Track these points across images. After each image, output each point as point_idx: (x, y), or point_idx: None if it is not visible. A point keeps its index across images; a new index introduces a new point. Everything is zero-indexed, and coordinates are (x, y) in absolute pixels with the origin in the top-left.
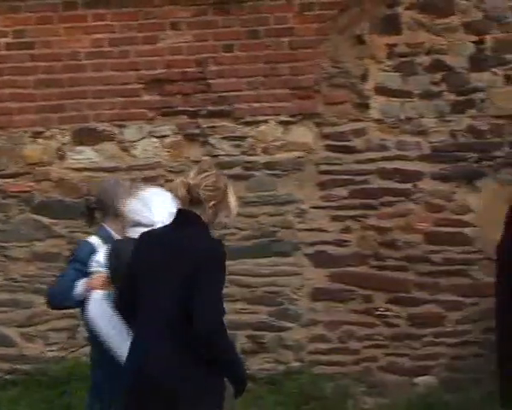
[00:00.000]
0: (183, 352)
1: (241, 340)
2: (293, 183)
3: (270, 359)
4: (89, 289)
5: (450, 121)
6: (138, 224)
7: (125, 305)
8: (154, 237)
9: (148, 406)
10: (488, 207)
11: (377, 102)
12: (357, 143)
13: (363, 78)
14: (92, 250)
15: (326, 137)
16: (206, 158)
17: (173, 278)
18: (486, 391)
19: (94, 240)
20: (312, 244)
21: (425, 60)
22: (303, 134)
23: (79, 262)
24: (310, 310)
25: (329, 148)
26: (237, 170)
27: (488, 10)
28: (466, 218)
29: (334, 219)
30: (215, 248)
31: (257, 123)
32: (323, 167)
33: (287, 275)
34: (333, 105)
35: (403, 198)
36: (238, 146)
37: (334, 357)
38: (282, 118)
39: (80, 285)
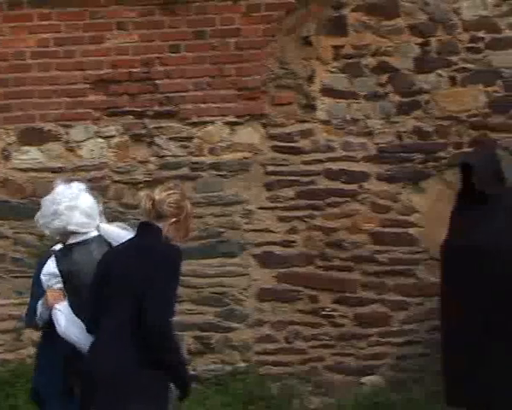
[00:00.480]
0: (130, 352)
1: (187, 341)
2: (240, 184)
3: (217, 359)
4: (49, 306)
5: (395, 123)
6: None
7: (90, 314)
8: (119, 248)
9: (96, 400)
10: (433, 207)
11: (324, 104)
12: (303, 144)
13: (310, 79)
14: None
15: (273, 137)
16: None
17: (130, 282)
18: (431, 390)
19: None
20: (259, 245)
21: (371, 61)
22: (250, 135)
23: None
24: (256, 310)
25: (276, 149)
26: (184, 171)
27: (433, 12)
28: (411, 218)
29: (281, 219)
30: (170, 252)
31: (203, 124)
32: (270, 168)
33: (233, 276)
34: (279, 106)
35: (349, 199)
36: (185, 147)
37: (281, 357)
38: (229, 119)
39: (39, 307)
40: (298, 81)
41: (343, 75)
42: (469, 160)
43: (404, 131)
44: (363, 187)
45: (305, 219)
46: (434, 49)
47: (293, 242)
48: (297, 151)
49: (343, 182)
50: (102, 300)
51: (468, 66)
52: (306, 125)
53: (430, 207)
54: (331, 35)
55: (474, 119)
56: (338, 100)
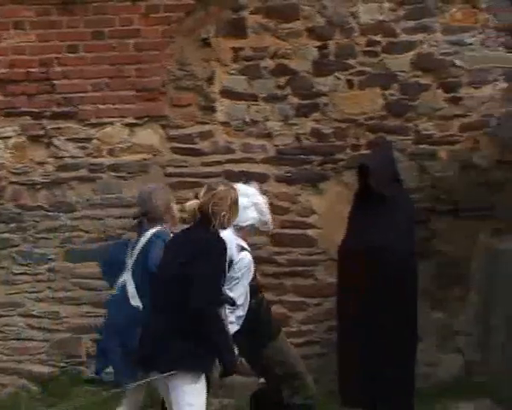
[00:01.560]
0: (177, 327)
1: (86, 344)
2: (140, 185)
3: None
4: None
5: (294, 125)
6: None
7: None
8: (175, 238)
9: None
10: (331, 208)
11: (223, 105)
12: (203, 145)
13: (210, 80)
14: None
15: (172, 139)
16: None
17: (177, 268)
18: (329, 390)
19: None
20: None
21: (270, 63)
22: (149, 136)
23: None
24: None
25: (176, 150)
26: (83, 172)
27: (331, 16)
28: (310, 220)
29: (181, 221)
30: (211, 241)
31: (102, 125)
32: (170, 170)
33: None
34: (179, 107)
35: None
36: (83, 148)
37: None
38: (128, 120)
39: None
40: (197, 83)
41: (242, 77)
42: (366, 161)
43: (303, 133)
44: (262, 189)
45: None
46: (332, 53)
47: None
48: (197, 153)
49: (243, 184)
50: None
51: (366, 69)
52: (206, 127)
53: (328, 209)
54: (230, 37)
55: (372, 121)
56: (237, 102)
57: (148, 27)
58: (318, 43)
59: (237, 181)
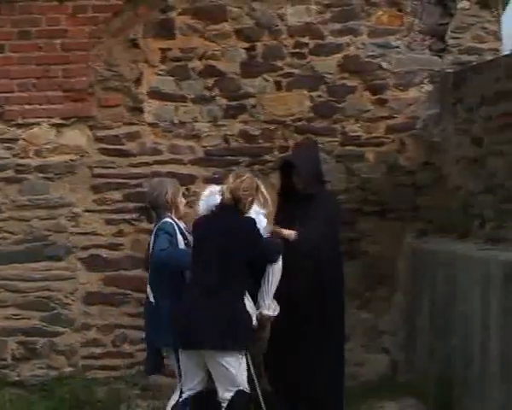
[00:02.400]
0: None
1: (12, 346)
2: (67, 186)
3: (43, 365)
4: None
5: (222, 126)
6: None
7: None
8: (208, 219)
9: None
10: None
11: (151, 106)
12: (130, 146)
13: (138, 81)
14: (172, 226)
15: (100, 140)
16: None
17: (215, 245)
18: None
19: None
20: (86, 248)
21: (198, 65)
22: (76, 137)
23: (169, 234)
24: (83, 314)
25: (103, 151)
26: (9, 173)
27: (259, 18)
28: None
29: (108, 222)
30: (248, 222)
31: (29, 125)
32: (97, 171)
33: (60, 279)
34: (107, 108)
35: None
36: (9, 149)
37: (108, 361)
38: (55, 120)
39: None
40: (125, 83)
41: (171, 78)
42: (291, 160)
43: (231, 135)
44: (190, 190)
45: (133, 222)
46: (260, 54)
47: (121, 245)
48: (124, 154)
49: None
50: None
51: (293, 71)
52: (134, 128)
53: None
54: (159, 38)
55: (299, 123)
56: (165, 103)
57: (75, 27)
58: (246, 45)
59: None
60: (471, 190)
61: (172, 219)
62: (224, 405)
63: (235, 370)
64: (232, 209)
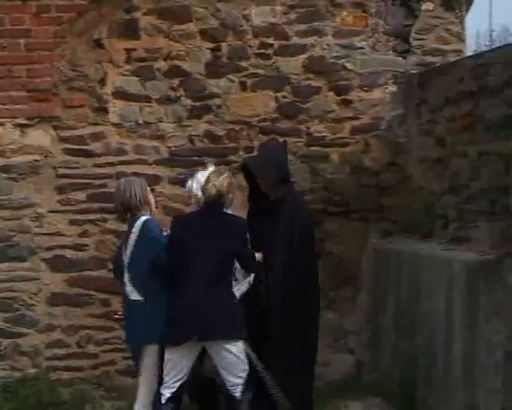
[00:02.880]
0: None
1: None
2: (31, 186)
3: (6, 366)
4: None
5: (187, 126)
6: None
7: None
8: (190, 218)
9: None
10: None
11: (116, 107)
12: (95, 146)
13: (102, 82)
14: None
15: (64, 140)
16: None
17: (212, 242)
18: None
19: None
20: (50, 249)
21: (163, 65)
22: (40, 137)
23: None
24: (47, 315)
25: (68, 151)
26: None
27: (224, 18)
28: None
29: (73, 223)
30: (238, 220)
31: None
32: (62, 171)
33: (24, 280)
34: (71, 108)
35: None
36: None
37: (72, 362)
38: (19, 121)
39: None
40: (90, 84)
41: (135, 78)
42: (248, 164)
43: (196, 135)
44: (155, 190)
45: (98, 223)
46: (225, 55)
47: (85, 245)
48: (89, 154)
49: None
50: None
51: (258, 71)
52: (98, 128)
53: None
54: (123, 38)
55: (264, 123)
56: (130, 103)
57: (39, 27)
58: (211, 45)
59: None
60: (435, 191)
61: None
62: (237, 389)
63: (243, 356)
64: (218, 206)
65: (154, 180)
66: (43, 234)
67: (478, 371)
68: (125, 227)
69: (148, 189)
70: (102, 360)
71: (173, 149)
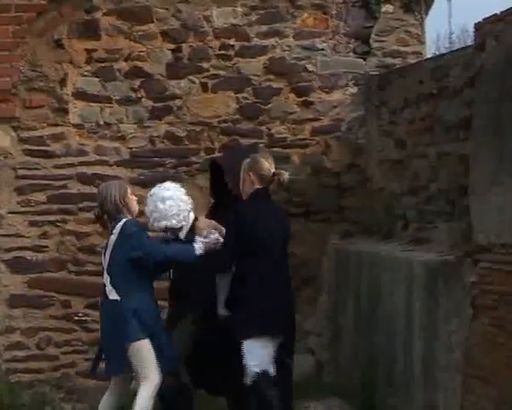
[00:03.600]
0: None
1: None
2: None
3: None
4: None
5: (148, 127)
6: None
7: None
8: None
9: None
10: None
11: (76, 107)
12: (55, 147)
13: (62, 82)
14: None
15: (24, 141)
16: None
17: (282, 242)
18: None
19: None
20: (9, 250)
21: (124, 66)
22: (0, 138)
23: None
24: (7, 317)
25: (27, 152)
26: None
27: (185, 19)
28: None
29: (32, 224)
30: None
31: None
32: (21, 172)
33: None
34: (31, 109)
35: None
36: None
37: (32, 364)
38: None
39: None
40: (50, 84)
41: (96, 79)
42: (217, 160)
43: (157, 136)
44: None
45: (58, 224)
46: (186, 56)
47: (45, 247)
48: (49, 155)
49: (96, 186)
50: None
51: (219, 72)
52: (58, 129)
53: None
54: (84, 38)
55: (225, 124)
56: (91, 104)
57: None
58: (172, 46)
59: None
60: (395, 192)
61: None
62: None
63: None
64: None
65: None
66: (3, 235)
67: (437, 371)
68: (85, 228)
69: (129, 192)
70: (62, 362)
71: (134, 150)
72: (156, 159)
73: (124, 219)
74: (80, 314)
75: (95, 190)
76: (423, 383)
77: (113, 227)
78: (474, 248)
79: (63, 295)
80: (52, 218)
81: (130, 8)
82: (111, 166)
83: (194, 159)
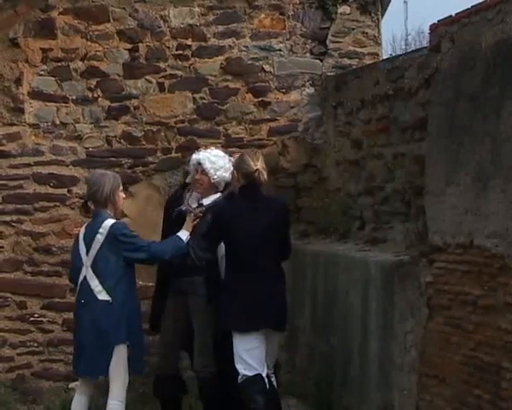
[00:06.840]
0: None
1: None
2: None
3: None
4: None
5: (104, 127)
6: None
7: None
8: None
9: None
10: (142, 212)
11: (32, 107)
12: (11, 147)
13: (18, 81)
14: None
15: None
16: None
17: (266, 230)
18: None
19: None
20: None
21: (80, 65)
22: None
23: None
24: None
25: None
26: None
27: (142, 19)
28: None
29: None
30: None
31: None
32: None
33: None
34: None
35: (58, 203)
36: None
37: None
38: None
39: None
40: (5, 84)
41: (52, 78)
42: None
43: (114, 136)
44: (72, 192)
45: (13, 224)
46: (143, 56)
47: (1, 247)
48: (4, 155)
49: (52, 186)
50: None
51: (176, 72)
52: (14, 129)
53: (139, 212)
54: (39, 37)
55: (182, 125)
56: (47, 103)
57: None
58: (129, 46)
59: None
60: (351, 192)
61: (111, 217)
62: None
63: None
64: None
65: (70, 181)
66: None
67: (393, 371)
68: (41, 228)
69: (120, 188)
70: (18, 363)
71: (90, 149)
72: (113, 159)
73: (109, 220)
74: (36, 315)
75: (50, 190)
76: (379, 383)
77: (97, 222)
78: (430, 248)
79: (19, 295)
80: (8, 218)
81: (86, 7)
82: (67, 166)
83: (150, 159)
